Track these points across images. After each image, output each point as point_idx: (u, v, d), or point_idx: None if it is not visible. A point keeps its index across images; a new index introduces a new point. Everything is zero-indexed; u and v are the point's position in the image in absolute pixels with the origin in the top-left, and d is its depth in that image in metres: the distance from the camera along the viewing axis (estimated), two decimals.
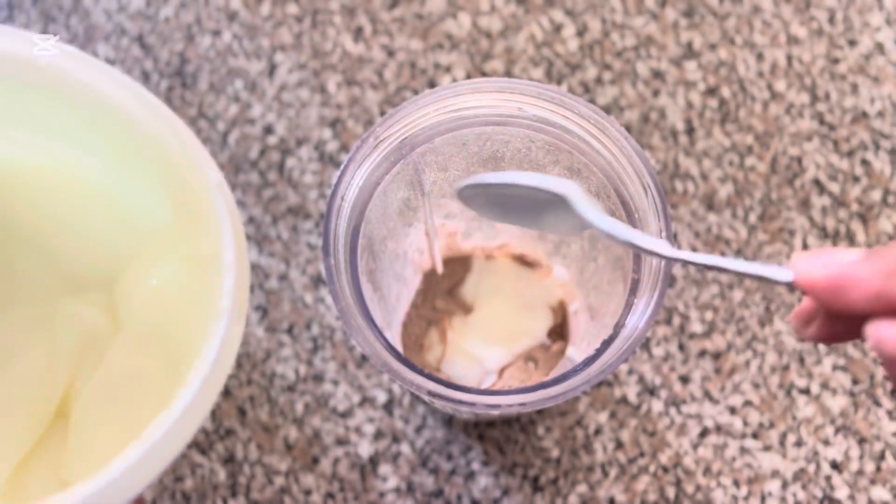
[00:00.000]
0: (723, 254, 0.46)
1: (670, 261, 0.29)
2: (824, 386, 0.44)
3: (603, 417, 0.44)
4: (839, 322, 0.25)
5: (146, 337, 0.32)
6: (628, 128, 0.48)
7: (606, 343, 0.32)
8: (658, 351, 0.45)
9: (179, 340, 0.30)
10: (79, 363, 0.32)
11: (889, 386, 0.44)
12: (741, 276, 0.26)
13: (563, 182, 0.31)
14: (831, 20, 0.50)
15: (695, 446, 0.44)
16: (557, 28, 0.50)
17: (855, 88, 0.49)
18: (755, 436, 0.44)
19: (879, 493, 0.43)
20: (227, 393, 0.44)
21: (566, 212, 0.31)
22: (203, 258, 0.29)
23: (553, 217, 0.32)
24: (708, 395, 0.44)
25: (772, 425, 0.44)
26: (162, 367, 0.31)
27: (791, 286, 0.24)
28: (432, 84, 0.49)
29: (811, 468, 0.43)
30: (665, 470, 0.43)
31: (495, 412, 0.31)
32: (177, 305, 0.32)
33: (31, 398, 0.32)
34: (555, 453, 0.44)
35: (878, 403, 0.44)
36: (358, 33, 0.50)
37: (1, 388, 0.31)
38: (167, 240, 0.32)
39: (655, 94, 0.49)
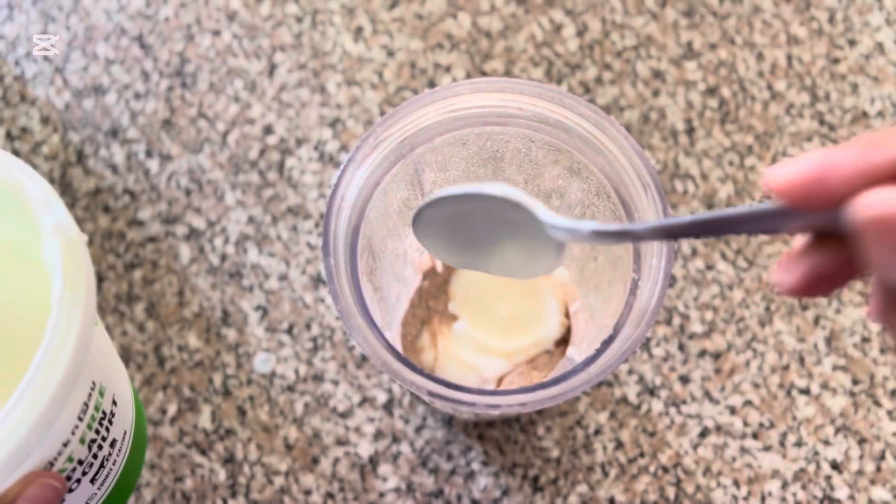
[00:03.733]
0: (723, 255, 0.46)
1: (650, 238, 0.26)
2: (824, 386, 0.44)
3: (603, 417, 0.44)
4: (826, 249, 0.23)
5: None
6: (628, 128, 0.48)
7: (606, 343, 0.32)
8: (658, 351, 0.45)
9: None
10: None
11: (889, 387, 0.44)
12: (723, 227, 0.23)
13: (511, 189, 0.30)
14: (831, 20, 0.50)
15: (695, 446, 0.44)
16: (557, 28, 0.50)
17: (855, 88, 0.49)
18: (755, 436, 0.44)
19: (879, 493, 0.43)
20: (227, 393, 0.44)
21: (521, 227, 0.30)
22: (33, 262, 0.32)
23: (511, 241, 0.31)
24: (708, 395, 0.44)
25: (772, 425, 0.44)
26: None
27: (781, 216, 0.22)
28: (432, 84, 0.49)
29: (811, 468, 0.43)
30: (665, 470, 0.43)
31: (495, 412, 0.31)
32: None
33: None
34: (555, 453, 0.44)
35: (878, 403, 0.44)
36: (358, 33, 0.50)
37: None
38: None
39: (655, 94, 0.49)
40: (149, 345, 0.45)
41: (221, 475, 0.43)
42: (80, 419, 0.31)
